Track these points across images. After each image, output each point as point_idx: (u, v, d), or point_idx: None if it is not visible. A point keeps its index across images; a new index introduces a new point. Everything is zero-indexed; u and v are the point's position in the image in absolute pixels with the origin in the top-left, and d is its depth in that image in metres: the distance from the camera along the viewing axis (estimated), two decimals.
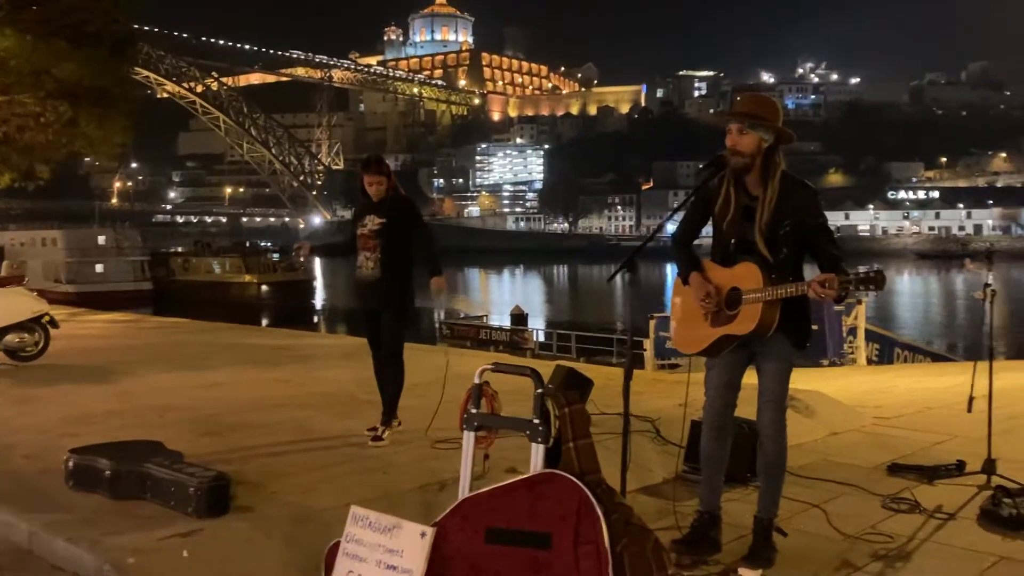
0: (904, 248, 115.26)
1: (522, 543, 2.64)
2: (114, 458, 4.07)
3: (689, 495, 4.00)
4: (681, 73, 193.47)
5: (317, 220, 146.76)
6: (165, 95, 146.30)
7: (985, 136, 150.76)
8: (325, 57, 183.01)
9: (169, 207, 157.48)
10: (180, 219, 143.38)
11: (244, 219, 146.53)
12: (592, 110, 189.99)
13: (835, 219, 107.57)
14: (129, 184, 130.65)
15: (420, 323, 24.91)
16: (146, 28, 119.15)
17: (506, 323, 27.87)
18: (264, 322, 37.50)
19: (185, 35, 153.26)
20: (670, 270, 35.04)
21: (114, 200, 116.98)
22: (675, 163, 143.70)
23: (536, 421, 2.80)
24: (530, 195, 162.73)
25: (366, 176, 5.23)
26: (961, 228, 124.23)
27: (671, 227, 3.94)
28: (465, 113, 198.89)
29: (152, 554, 3.33)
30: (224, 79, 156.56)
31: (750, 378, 3.54)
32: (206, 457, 4.47)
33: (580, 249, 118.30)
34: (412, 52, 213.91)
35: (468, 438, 3.05)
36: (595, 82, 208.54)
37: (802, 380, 5.49)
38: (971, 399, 4.80)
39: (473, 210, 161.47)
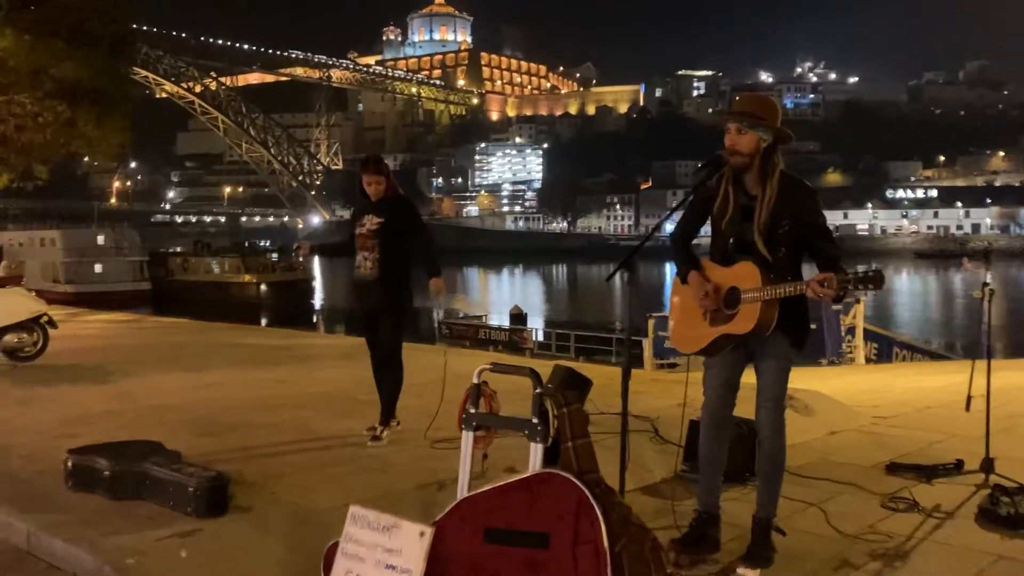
0: (902, 247, 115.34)
1: (520, 543, 2.64)
2: (113, 458, 4.07)
3: (688, 494, 4.00)
4: (680, 73, 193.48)
5: (316, 220, 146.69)
6: (164, 95, 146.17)
7: (983, 135, 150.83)
8: (324, 57, 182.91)
9: (168, 207, 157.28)
10: (179, 219, 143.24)
11: (243, 219, 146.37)
12: (591, 110, 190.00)
13: (833, 218, 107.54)
14: (128, 184, 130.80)
15: (419, 323, 24.89)
16: (144, 28, 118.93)
17: (505, 323, 27.90)
18: (263, 322, 37.48)
19: (184, 35, 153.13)
20: (669, 269, 35.05)
21: (113, 200, 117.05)
22: (674, 163, 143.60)
23: (535, 421, 2.80)
24: (529, 195, 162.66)
25: (365, 176, 5.24)
26: (959, 227, 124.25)
27: (669, 226, 3.94)
28: (464, 113, 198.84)
29: (151, 554, 3.33)
30: (223, 79, 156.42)
31: (749, 377, 3.54)
32: (205, 457, 4.48)
33: (579, 249, 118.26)
34: (411, 52, 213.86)
35: (467, 438, 3.05)
36: (594, 82, 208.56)
37: (801, 379, 5.48)
38: (969, 398, 4.81)
39: (472, 210, 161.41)
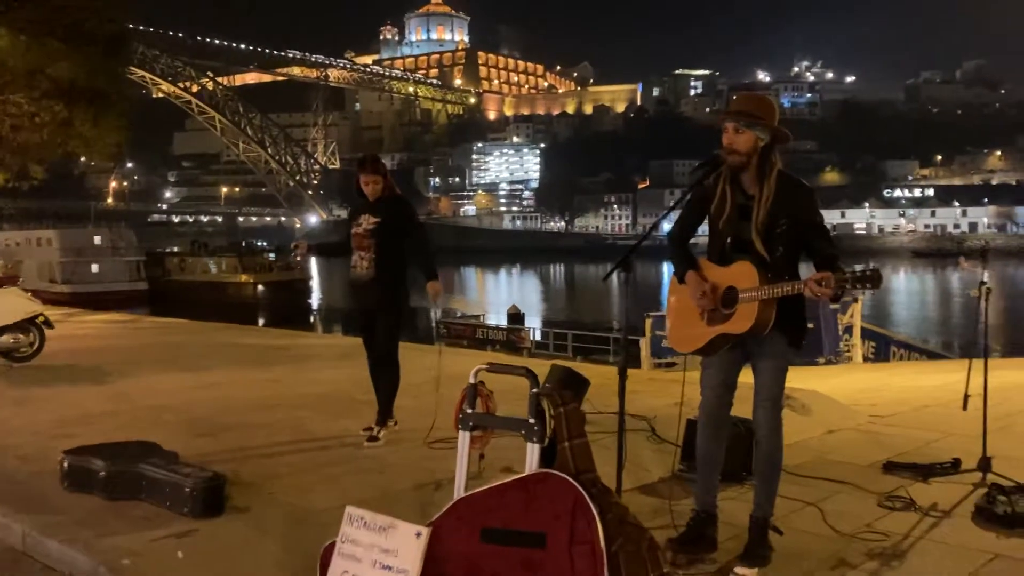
0: (900, 246, 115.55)
1: (517, 543, 2.64)
2: (109, 459, 4.06)
3: (685, 494, 4.00)
4: (677, 72, 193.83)
5: (313, 219, 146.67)
6: (160, 95, 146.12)
7: (980, 134, 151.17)
8: (321, 56, 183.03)
9: (165, 207, 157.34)
10: (176, 219, 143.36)
11: (240, 219, 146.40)
12: (588, 109, 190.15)
13: (831, 217, 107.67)
14: (124, 184, 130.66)
15: (417, 323, 24.91)
16: (141, 27, 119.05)
17: (502, 322, 27.91)
18: (260, 322, 37.50)
19: (180, 34, 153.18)
20: (666, 269, 35.06)
21: (109, 200, 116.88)
22: (671, 162, 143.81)
23: (532, 421, 2.80)
24: (526, 194, 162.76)
25: (362, 175, 5.23)
26: (956, 226, 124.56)
27: (667, 226, 3.94)
28: (461, 112, 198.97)
29: (147, 555, 3.33)
30: (220, 79, 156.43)
31: (746, 377, 3.53)
32: (202, 457, 4.47)
33: (576, 248, 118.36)
34: (408, 51, 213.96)
35: (463, 438, 3.04)
36: (591, 81, 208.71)
37: (798, 379, 5.48)
38: (966, 397, 4.81)
39: (469, 209, 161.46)
